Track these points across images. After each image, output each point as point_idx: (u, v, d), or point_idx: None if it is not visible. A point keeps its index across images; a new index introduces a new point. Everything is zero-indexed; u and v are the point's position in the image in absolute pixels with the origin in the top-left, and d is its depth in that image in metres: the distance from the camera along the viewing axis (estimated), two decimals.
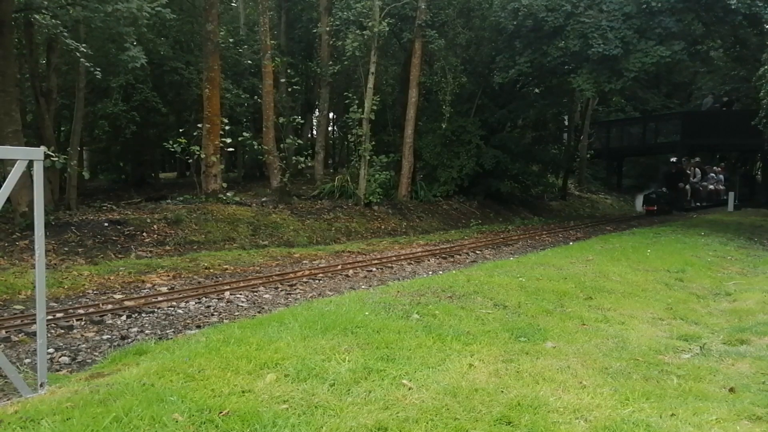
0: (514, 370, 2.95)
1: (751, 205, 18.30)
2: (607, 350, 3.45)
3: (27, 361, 3.26)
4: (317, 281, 5.84)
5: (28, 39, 11.80)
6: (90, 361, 3.39)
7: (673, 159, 18.10)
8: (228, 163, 18.83)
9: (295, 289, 5.44)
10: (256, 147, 12.71)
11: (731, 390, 2.89)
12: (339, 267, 6.73)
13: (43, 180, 2.69)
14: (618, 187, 22.91)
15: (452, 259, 7.48)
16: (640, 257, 7.20)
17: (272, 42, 13.64)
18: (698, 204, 19.20)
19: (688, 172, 18.91)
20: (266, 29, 12.75)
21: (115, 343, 3.72)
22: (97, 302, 4.97)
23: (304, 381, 2.63)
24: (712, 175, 20.68)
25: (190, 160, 12.13)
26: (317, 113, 18.01)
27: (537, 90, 18.10)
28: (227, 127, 12.04)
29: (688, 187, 18.71)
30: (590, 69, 12.97)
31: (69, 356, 3.45)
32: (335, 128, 23.67)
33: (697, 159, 20.55)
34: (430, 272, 6.47)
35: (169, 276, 6.39)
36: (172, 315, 4.42)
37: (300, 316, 3.64)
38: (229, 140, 11.67)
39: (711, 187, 20.22)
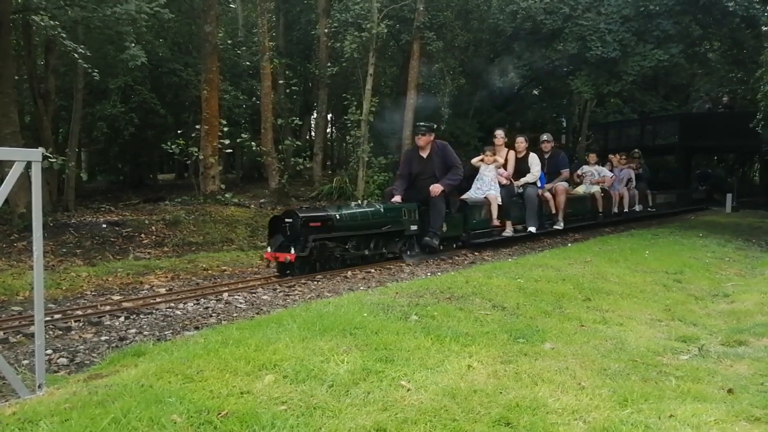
0: (513, 371, 2.95)
1: (749, 207, 18.30)
2: (606, 351, 3.45)
3: (25, 362, 3.25)
4: (315, 282, 5.83)
5: (27, 40, 11.79)
6: (88, 362, 3.38)
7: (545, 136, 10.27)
8: (226, 165, 18.84)
9: (293, 291, 5.44)
10: (254, 148, 12.72)
11: (729, 391, 2.89)
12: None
13: (41, 181, 2.69)
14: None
15: (451, 261, 7.48)
16: (638, 259, 7.21)
17: (271, 43, 13.65)
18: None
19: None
20: (264, 31, 12.76)
21: (114, 345, 3.72)
22: (95, 303, 4.96)
23: (303, 382, 2.62)
24: (591, 171, 11.43)
25: (189, 162, 12.15)
26: (315, 115, 18.02)
27: (535, 92, 18.15)
28: (225, 129, 12.05)
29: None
30: (589, 72, 13.03)
31: (67, 357, 3.44)
32: (333, 130, 23.69)
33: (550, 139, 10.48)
34: (429, 273, 6.47)
35: (167, 277, 6.38)
36: (171, 316, 4.41)
37: (298, 317, 3.64)
38: (227, 141, 11.68)
39: (586, 190, 11.19)
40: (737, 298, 5.42)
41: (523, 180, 9.12)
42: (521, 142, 9.33)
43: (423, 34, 13.46)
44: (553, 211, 9.66)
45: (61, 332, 3.89)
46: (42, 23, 8.22)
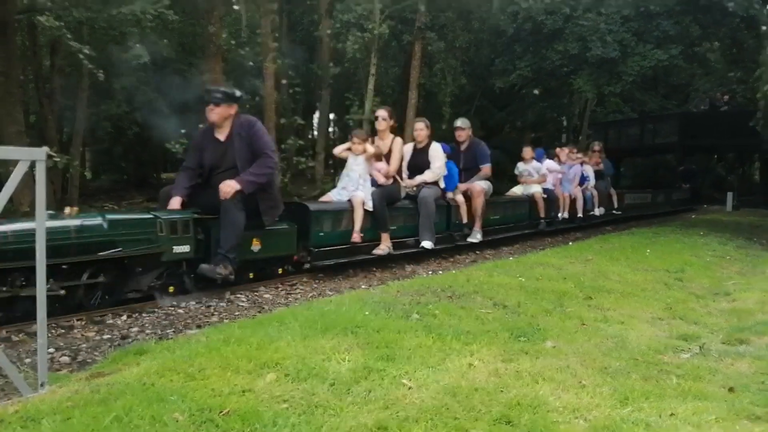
0: (514, 369, 2.96)
1: (750, 205, 18.27)
2: (607, 350, 3.46)
3: (27, 360, 3.26)
4: (317, 281, 5.84)
5: (32, 41, 11.84)
6: (90, 360, 3.39)
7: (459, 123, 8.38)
8: None
9: (295, 289, 5.45)
10: None
11: (730, 390, 2.89)
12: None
13: (46, 180, 2.70)
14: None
15: (452, 259, 7.48)
16: (639, 257, 7.21)
17: (274, 44, 13.68)
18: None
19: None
20: (268, 31, 12.81)
21: (116, 343, 3.73)
22: None
23: (305, 380, 2.63)
24: (527, 169, 9.70)
25: None
26: (318, 114, 18.05)
27: (536, 92, 18.16)
28: None
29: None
30: (590, 72, 13.04)
31: (69, 356, 3.45)
32: (336, 129, 23.71)
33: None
34: (430, 272, 6.47)
35: None
36: (173, 315, 4.42)
37: (300, 315, 3.65)
38: None
39: (523, 191, 9.57)
40: (738, 297, 5.42)
41: (418, 178, 7.05)
42: (421, 129, 7.26)
43: (424, 35, 13.48)
44: (465, 220, 7.65)
45: (63, 330, 3.90)
46: (47, 24, 8.25)
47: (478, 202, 7.66)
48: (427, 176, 7.09)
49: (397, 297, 4.33)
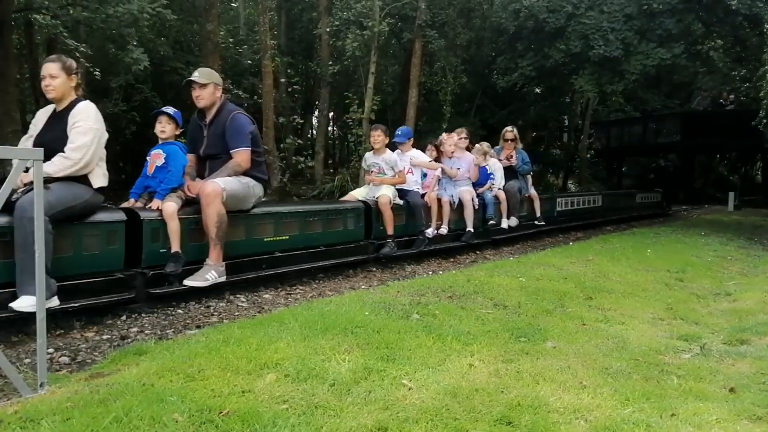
0: (515, 370, 2.95)
1: (751, 205, 18.24)
2: (608, 350, 3.45)
3: (27, 360, 3.26)
4: (317, 281, 5.83)
5: (28, 39, 11.83)
6: (90, 361, 3.38)
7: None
8: None
9: (295, 289, 5.44)
10: None
11: (731, 390, 2.89)
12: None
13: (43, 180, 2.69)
14: (618, 187, 23.02)
15: (452, 259, 7.47)
16: (640, 257, 7.21)
17: (272, 42, 13.67)
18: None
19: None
20: (266, 29, 12.79)
21: (115, 343, 3.72)
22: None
23: (304, 381, 2.62)
24: (376, 162, 6.58)
25: None
26: (317, 113, 18.04)
27: (537, 90, 18.13)
28: None
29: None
30: (592, 71, 13.01)
31: (69, 356, 3.44)
32: (335, 128, 23.70)
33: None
34: (430, 272, 6.46)
35: None
36: (172, 315, 4.41)
37: (300, 316, 3.64)
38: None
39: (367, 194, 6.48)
40: (739, 297, 5.41)
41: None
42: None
43: (425, 33, 13.46)
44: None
45: (62, 331, 3.90)
46: (44, 22, 8.24)
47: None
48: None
49: (397, 297, 4.32)
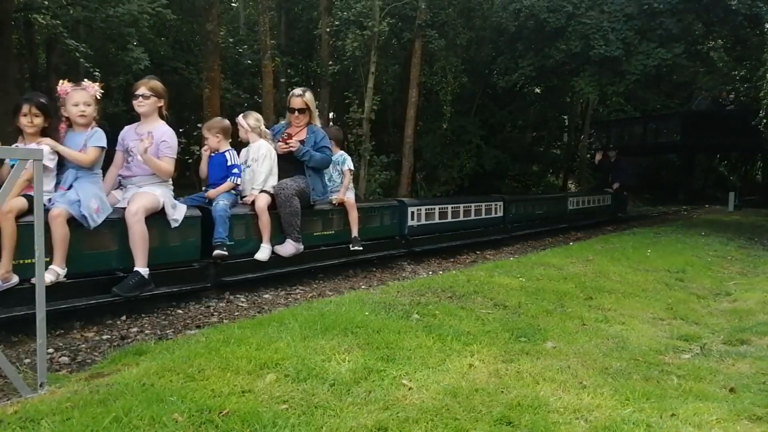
0: (515, 370, 2.95)
1: (752, 205, 18.23)
2: (608, 350, 3.45)
3: (27, 361, 3.26)
4: (317, 281, 5.84)
5: (28, 39, 11.84)
6: (90, 361, 3.39)
7: None
8: None
9: (294, 289, 5.44)
10: None
11: (731, 390, 2.89)
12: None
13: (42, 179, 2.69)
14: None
15: (452, 259, 7.47)
16: (640, 257, 7.20)
17: (272, 42, 13.66)
18: None
19: None
20: (266, 29, 12.79)
21: (115, 343, 3.72)
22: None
23: (304, 381, 2.62)
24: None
25: (190, 160, 12.16)
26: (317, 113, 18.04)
27: (537, 90, 18.13)
28: None
29: None
30: (592, 71, 13.00)
31: (69, 356, 3.45)
32: None
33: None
34: (430, 272, 6.46)
35: None
36: (172, 315, 4.42)
37: (300, 316, 3.64)
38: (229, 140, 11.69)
39: None
40: (739, 297, 5.41)
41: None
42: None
43: (425, 32, 13.46)
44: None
45: (62, 331, 3.90)
46: (44, 22, 8.24)
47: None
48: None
49: (397, 297, 4.32)
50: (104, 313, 4.20)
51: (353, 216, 6.19)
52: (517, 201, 9.80)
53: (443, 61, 14.30)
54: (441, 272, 6.32)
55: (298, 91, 5.71)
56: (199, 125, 12.15)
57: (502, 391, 2.65)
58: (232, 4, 19.41)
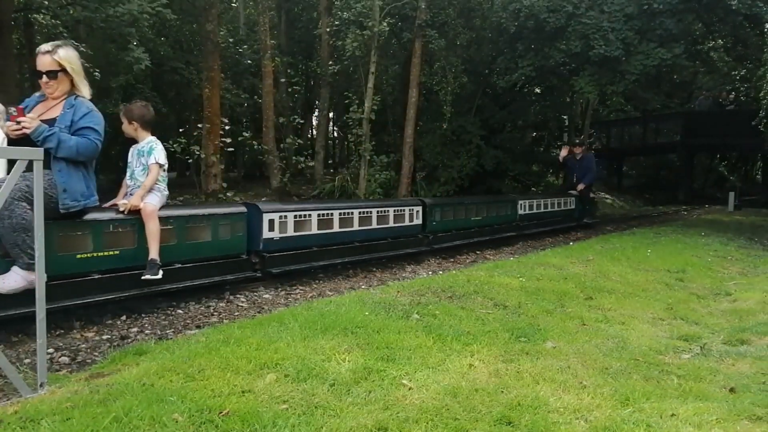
0: (515, 370, 2.95)
1: (752, 205, 18.22)
2: (608, 350, 3.45)
3: (27, 361, 3.26)
4: (317, 281, 5.83)
5: (28, 39, 11.81)
6: (90, 361, 3.39)
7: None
8: (228, 163, 18.86)
9: (294, 289, 5.44)
10: (256, 147, 12.74)
11: (731, 390, 2.88)
12: (338, 266, 6.70)
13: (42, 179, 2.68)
14: (618, 186, 22.96)
15: (452, 259, 7.47)
16: (640, 257, 7.20)
17: (272, 42, 13.65)
18: None
19: None
20: (266, 29, 12.78)
21: (115, 344, 3.72)
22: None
23: (304, 381, 2.62)
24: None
25: (190, 160, 12.17)
26: (317, 113, 18.03)
27: (537, 90, 18.11)
28: (227, 127, 12.07)
29: None
30: (592, 71, 12.98)
31: (69, 356, 3.45)
32: (335, 128, 23.69)
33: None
34: (430, 272, 6.46)
35: None
36: (172, 315, 4.41)
37: (300, 316, 3.64)
38: (229, 140, 11.70)
39: None
40: (739, 297, 5.41)
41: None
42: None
43: (425, 32, 13.44)
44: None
45: (62, 331, 3.90)
46: (44, 22, 8.24)
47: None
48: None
49: (397, 297, 4.32)
50: (104, 313, 4.20)
51: (151, 229, 4.31)
52: (443, 205, 7.89)
53: (443, 61, 14.28)
54: (441, 272, 6.33)
55: (45, 46, 3.89)
56: (199, 125, 12.15)
57: (502, 391, 2.65)
58: (232, 4, 19.39)
